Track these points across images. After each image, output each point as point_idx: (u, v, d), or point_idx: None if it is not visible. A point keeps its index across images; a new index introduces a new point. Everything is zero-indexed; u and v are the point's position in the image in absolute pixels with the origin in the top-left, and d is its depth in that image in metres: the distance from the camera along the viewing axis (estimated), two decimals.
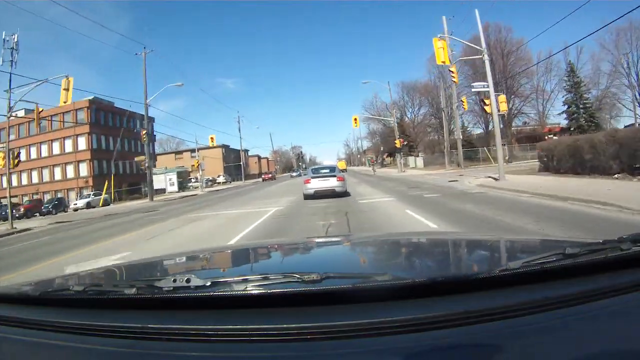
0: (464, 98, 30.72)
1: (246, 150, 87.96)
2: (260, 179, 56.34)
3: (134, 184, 45.83)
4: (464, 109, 31.32)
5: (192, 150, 72.73)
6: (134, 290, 0.89)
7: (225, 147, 73.82)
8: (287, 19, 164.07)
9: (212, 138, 36.44)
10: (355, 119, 33.59)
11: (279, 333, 0.74)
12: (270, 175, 54.77)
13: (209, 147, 71.51)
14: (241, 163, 57.48)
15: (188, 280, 0.87)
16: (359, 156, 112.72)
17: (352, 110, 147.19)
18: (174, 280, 0.88)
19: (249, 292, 0.85)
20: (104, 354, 0.80)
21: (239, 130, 57.32)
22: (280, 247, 1.97)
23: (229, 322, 0.79)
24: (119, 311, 0.92)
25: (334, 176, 14.16)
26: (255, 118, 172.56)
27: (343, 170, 45.79)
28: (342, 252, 1.78)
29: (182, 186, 45.39)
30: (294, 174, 56.71)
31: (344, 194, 13.96)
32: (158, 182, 41.41)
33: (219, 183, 58.02)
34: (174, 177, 45.35)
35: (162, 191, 41.83)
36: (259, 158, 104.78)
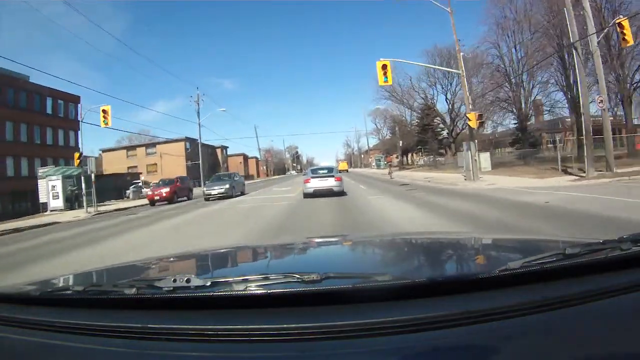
0: (624, 20, 13.80)
1: (224, 147, 70.97)
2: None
3: (17, 193, 28.26)
4: (626, 43, 14.40)
5: (148, 145, 56.03)
6: (134, 290, 0.89)
7: (192, 141, 56.76)
8: (285, 15, 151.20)
9: (104, 111, 18.34)
10: (385, 67, 16.20)
11: (279, 333, 0.74)
12: (165, 193, 20.91)
13: (168, 141, 54.54)
14: (200, 162, 38.98)
15: (188, 280, 0.87)
16: (362, 156, 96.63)
17: (352, 108, 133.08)
18: (174, 280, 0.87)
19: (249, 292, 0.85)
20: (104, 354, 0.80)
21: (198, 114, 39.66)
22: (281, 248, 1.97)
23: (229, 322, 0.79)
24: (119, 311, 0.91)
25: (332, 176, 14.71)
26: (250, 117, 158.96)
27: (344, 171, 37.26)
28: (342, 252, 1.76)
29: (76, 199, 23.96)
30: (216, 189, 19.91)
31: (341, 193, 14.24)
32: (43, 192, 24.41)
33: None
34: (57, 184, 23.88)
35: (45, 207, 24.08)
36: (245, 158, 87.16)
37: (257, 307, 0.82)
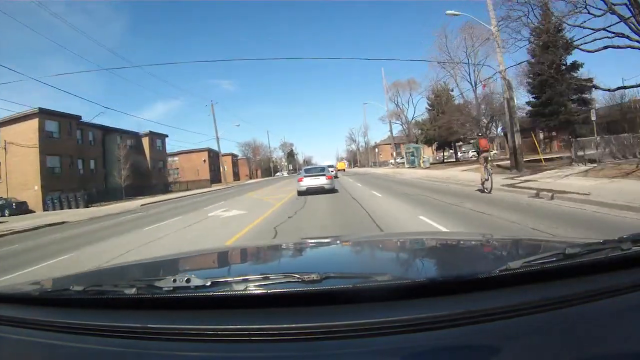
0: None
1: (159, 136, 45.13)
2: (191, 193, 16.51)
3: None
4: None
5: None
6: (134, 290, 0.89)
7: (59, 119, 30.07)
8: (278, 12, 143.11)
9: None
10: None
11: (279, 333, 0.74)
12: None
13: (12, 119, 29.22)
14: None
15: (188, 280, 0.87)
16: (376, 150, 70.28)
17: (353, 105, 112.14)
18: (174, 280, 0.88)
19: (249, 292, 0.86)
20: (104, 354, 0.80)
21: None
22: (280, 248, 1.97)
23: (229, 322, 0.79)
24: (119, 311, 0.91)
25: (324, 175, 15.71)
26: (249, 118, 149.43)
27: (341, 171, 42.53)
28: (342, 252, 1.76)
29: None
30: None
31: (332, 190, 15.27)
32: None
33: None
34: None
35: None
36: (210, 154, 60.72)
37: (257, 307, 0.82)
